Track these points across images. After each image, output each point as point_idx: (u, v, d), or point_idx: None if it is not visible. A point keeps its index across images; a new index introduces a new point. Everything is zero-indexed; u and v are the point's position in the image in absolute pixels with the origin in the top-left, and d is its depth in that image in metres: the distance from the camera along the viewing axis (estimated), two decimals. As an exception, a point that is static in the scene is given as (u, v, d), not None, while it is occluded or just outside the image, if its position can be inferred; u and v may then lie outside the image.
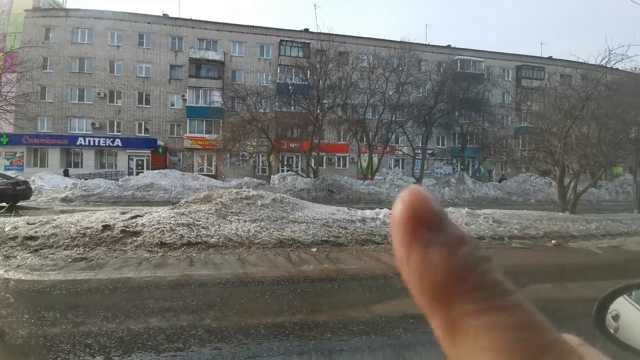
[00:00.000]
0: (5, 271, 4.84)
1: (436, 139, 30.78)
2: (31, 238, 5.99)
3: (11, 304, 3.75)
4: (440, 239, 0.18)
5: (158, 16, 28.99)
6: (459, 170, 27.69)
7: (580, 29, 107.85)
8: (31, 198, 13.41)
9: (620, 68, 13.51)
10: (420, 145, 26.32)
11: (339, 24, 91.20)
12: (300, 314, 3.68)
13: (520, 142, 26.87)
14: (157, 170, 20.24)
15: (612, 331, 1.20)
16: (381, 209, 9.29)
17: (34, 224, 6.60)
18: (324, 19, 52.06)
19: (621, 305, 1.32)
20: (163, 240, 6.11)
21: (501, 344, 0.17)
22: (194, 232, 6.48)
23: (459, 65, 30.89)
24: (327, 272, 5.21)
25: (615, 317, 1.28)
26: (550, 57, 34.37)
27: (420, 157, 25.69)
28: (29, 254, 5.50)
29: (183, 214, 7.20)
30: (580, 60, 14.88)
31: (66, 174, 22.66)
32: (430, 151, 29.23)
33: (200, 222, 6.85)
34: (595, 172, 13.11)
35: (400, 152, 29.29)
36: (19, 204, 12.20)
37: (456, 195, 18.42)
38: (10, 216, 7.47)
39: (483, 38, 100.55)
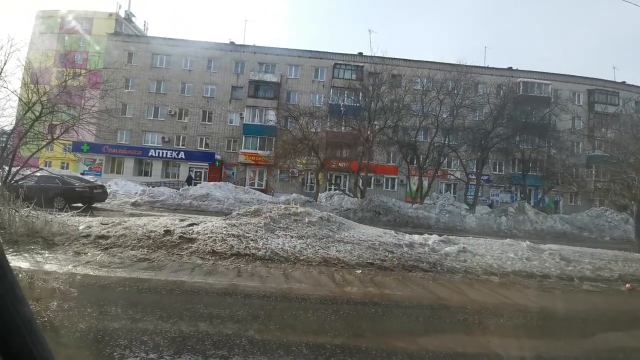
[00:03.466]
0: (74, 266, 5.23)
1: (492, 165, 28.98)
2: (103, 237, 6.68)
3: (74, 297, 3.95)
4: None
5: (225, 43, 31.96)
6: (518, 198, 25.57)
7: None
8: (106, 201, 15.10)
9: None
10: (474, 170, 24.92)
11: (393, 47, 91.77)
12: (342, 337, 3.60)
13: (594, 172, 24.20)
14: (213, 182, 21.63)
15: None
16: (430, 234, 8.89)
17: (107, 224, 7.38)
18: (378, 43, 52.72)
19: None
20: (215, 249, 6.44)
21: None
22: (243, 243, 6.75)
23: (521, 88, 29.14)
24: (372, 295, 5.05)
25: None
26: (623, 82, 31.34)
27: (475, 183, 24.27)
28: (100, 252, 6.08)
29: (234, 225, 7.55)
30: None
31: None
32: (485, 177, 27.51)
33: (249, 235, 7.12)
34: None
35: (452, 177, 28.01)
36: (94, 205, 13.75)
37: (514, 225, 16.94)
38: (85, 216, 8.32)
39: (547, 61, 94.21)
